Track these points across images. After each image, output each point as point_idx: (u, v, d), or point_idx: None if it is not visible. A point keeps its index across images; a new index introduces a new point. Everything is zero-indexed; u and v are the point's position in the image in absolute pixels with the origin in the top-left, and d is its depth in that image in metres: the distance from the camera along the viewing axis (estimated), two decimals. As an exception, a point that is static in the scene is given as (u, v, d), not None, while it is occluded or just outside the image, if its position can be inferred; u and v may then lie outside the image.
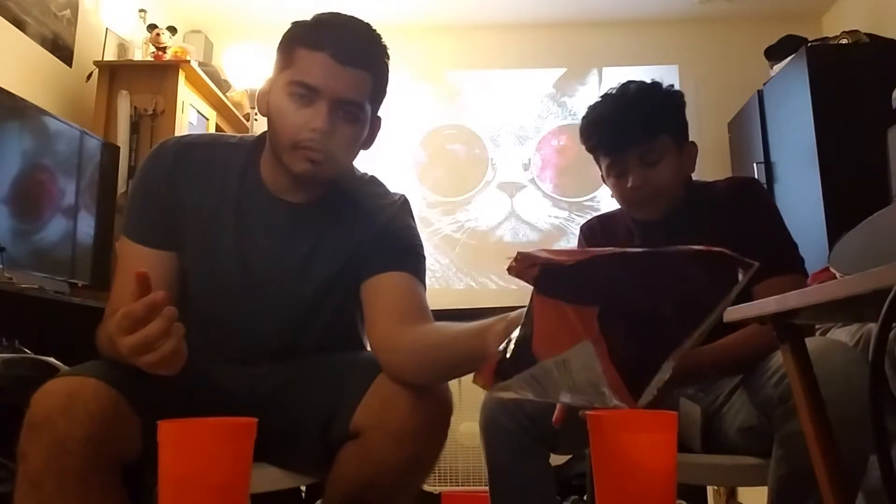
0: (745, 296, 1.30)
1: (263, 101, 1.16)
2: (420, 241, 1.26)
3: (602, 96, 1.41)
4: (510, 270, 0.67)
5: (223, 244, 1.19)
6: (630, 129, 1.33)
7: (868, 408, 0.99)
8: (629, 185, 1.34)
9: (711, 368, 1.28)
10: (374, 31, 1.18)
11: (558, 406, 1.13)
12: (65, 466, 0.92)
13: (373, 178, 1.30)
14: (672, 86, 1.43)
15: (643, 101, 1.36)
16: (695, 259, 0.62)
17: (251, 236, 1.19)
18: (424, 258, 1.25)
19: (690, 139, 1.44)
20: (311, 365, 1.19)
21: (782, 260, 1.33)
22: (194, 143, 1.22)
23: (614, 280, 0.60)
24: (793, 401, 1.07)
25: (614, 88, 1.41)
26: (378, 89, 1.18)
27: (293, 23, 1.15)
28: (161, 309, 0.88)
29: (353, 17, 1.16)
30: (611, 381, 0.64)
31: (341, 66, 1.09)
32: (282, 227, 1.20)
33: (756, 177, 3.25)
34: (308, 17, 1.18)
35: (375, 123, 1.22)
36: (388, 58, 1.18)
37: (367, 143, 1.22)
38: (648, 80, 1.41)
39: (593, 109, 1.40)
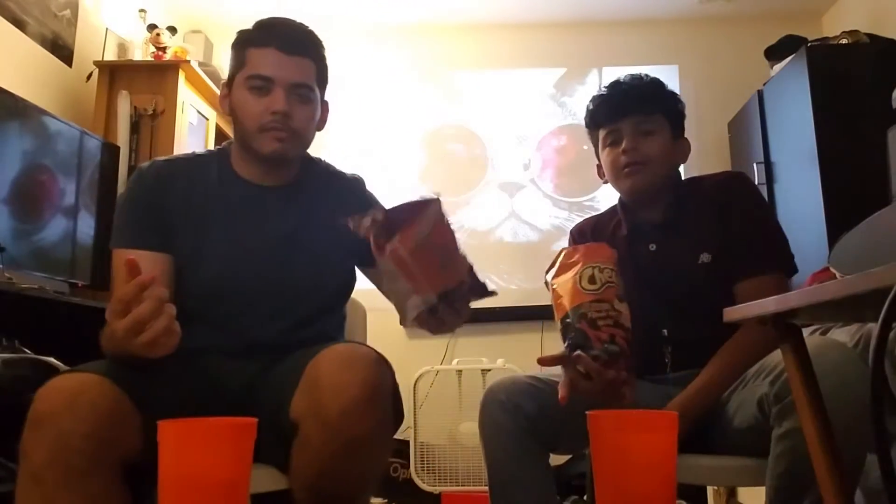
0: (730, 295, 1.34)
1: (225, 103, 1.31)
2: None
3: (608, 83, 1.53)
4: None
5: (214, 236, 1.26)
6: (631, 97, 1.46)
7: (863, 407, 1.00)
8: (622, 148, 1.44)
9: (723, 390, 1.31)
10: (310, 28, 1.33)
11: (561, 384, 1.21)
12: (67, 462, 0.92)
13: (322, 159, 1.44)
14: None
15: (645, 82, 1.49)
16: (411, 203, 0.99)
17: (239, 223, 1.28)
18: None
19: (689, 139, 1.53)
20: (289, 357, 1.20)
21: (763, 259, 1.37)
22: (171, 160, 1.35)
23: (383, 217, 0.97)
24: (789, 398, 1.07)
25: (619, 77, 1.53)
26: (322, 75, 1.33)
27: (239, 31, 1.32)
28: (152, 290, 0.93)
29: (289, 18, 1.32)
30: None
31: (288, 56, 1.25)
32: (265, 208, 1.30)
33: (756, 177, 3.26)
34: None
35: (325, 107, 1.36)
36: (325, 49, 1.34)
37: (321, 125, 1.36)
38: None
39: (599, 91, 1.53)
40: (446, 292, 0.99)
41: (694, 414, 1.26)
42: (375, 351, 1.10)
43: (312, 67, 1.29)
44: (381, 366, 1.07)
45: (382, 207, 0.98)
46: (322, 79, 1.33)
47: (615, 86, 1.50)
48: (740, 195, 1.43)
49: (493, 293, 1.06)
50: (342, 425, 1.00)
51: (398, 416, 1.13)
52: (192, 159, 1.35)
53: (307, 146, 1.34)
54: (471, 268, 1.05)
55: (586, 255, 1.27)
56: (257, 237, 1.27)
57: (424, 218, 0.98)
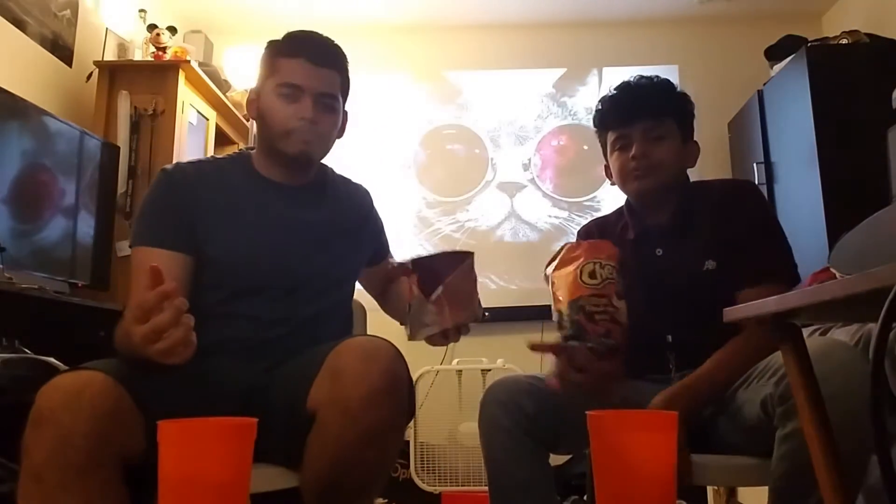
0: (733, 302, 1.33)
1: (253, 107, 1.38)
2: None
3: (618, 84, 1.52)
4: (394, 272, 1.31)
5: (241, 233, 1.30)
6: (641, 103, 1.46)
7: (867, 407, 1.00)
8: (632, 154, 1.44)
9: (713, 389, 1.30)
10: (336, 42, 1.40)
11: (552, 375, 1.25)
12: (67, 460, 0.93)
13: (331, 168, 1.51)
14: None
15: (656, 85, 1.49)
16: (450, 255, 1.18)
17: (264, 219, 1.33)
18: None
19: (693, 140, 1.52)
20: (303, 353, 1.22)
21: (766, 270, 1.37)
22: (192, 162, 1.40)
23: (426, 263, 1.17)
24: (793, 400, 1.07)
25: (629, 78, 1.53)
26: (345, 86, 1.41)
27: (269, 42, 1.38)
28: (172, 300, 0.95)
29: (316, 31, 1.39)
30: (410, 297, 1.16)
31: (316, 67, 1.33)
32: (288, 205, 1.36)
33: (756, 177, 3.26)
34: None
35: (345, 116, 1.44)
36: (348, 63, 1.42)
37: (341, 133, 1.44)
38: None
39: (608, 93, 1.53)
40: (460, 325, 1.17)
41: (679, 406, 1.25)
42: (394, 345, 1.13)
43: (338, 78, 1.37)
44: (400, 359, 1.11)
45: (426, 259, 1.16)
46: (345, 90, 1.41)
47: (625, 88, 1.49)
48: (748, 204, 1.42)
49: (486, 315, 1.23)
50: (363, 412, 1.02)
51: (410, 410, 1.16)
52: (215, 162, 1.42)
53: (328, 152, 1.41)
54: (479, 302, 1.21)
55: (589, 251, 1.28)
56: (282, 232, 1.33)
57: (462, 269, 1.16)
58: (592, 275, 1.24)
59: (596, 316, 1.21)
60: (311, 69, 1.32)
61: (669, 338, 1.40)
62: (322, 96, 1.33)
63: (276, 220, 1.34)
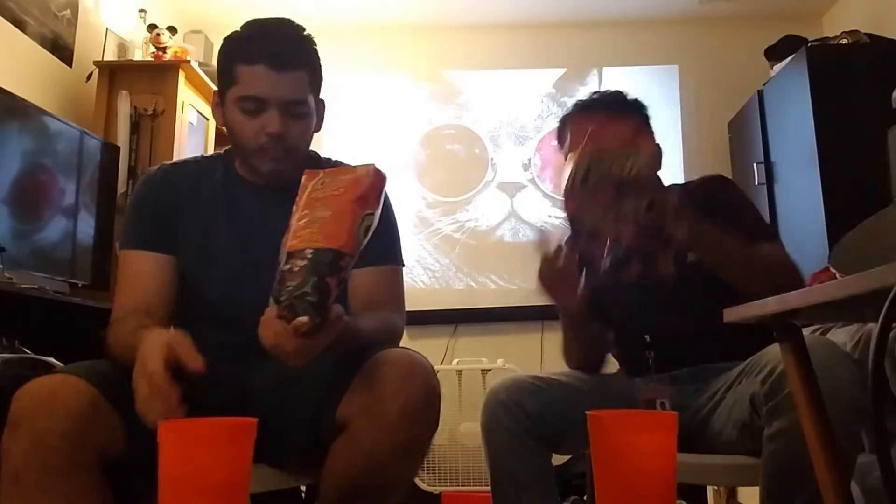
0: (714, 290, 1.32)
1: (218, 113, 1.28)
2: (395, 216, 1.36)
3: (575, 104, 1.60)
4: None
5: (220, 234, 1.27)
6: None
7: (853, 405, 1.00)
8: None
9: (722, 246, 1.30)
10: (300, 28, 1.25)
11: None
12: (44, 461, 0.93)
13: (338, 160, 1.38)
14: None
15: (617, 94, 1.58)
16: None
17: (243, 222, 1.28)
18: (398, 231, 1.37)
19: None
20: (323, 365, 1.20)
21: (766, 233, 1.42)
22: (177, 163, 1.36)
23: None
24: (779, 397, 1.07)
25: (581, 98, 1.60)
26: (316, 81, 1.28)
27: (225, 39, 1.25)
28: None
29: (279, 21, 1.24)
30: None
31: (278, 73, 1.19)
32: (269, 207, 1.27)
33: (756, 177, 3.26)
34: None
35: (321, 109, 1.32)
36: (317, 46, 1.27)
37: (318, 126, 1.32)
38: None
39: (567, 111, 1.65)
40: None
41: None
42: (426, 358, 1.11)
43: (305, 79, 1.24)
44: (434, 373, 1.10)
45: None
46: (316, 84, 1.29)
47: (589, 98, 1.53)
48: (728, 195, 1.47)
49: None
50: (399, 427, 1.01)
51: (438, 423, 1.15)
52: (199, 162, 1.36)
53: (304, 156, 1.32)
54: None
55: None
56: (261, 238, 1.26)
57: None
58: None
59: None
60: (272, 76, 1.18)
61: (647, 338, 1.42)
62: (289, 104, 1.20)
63: (251, 226, 1.28)
